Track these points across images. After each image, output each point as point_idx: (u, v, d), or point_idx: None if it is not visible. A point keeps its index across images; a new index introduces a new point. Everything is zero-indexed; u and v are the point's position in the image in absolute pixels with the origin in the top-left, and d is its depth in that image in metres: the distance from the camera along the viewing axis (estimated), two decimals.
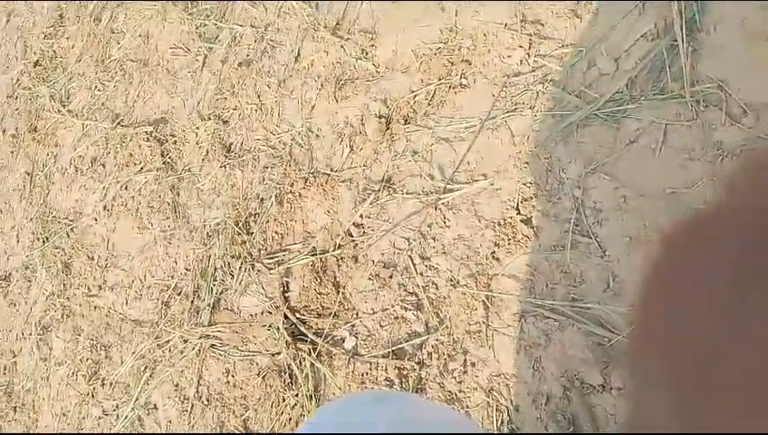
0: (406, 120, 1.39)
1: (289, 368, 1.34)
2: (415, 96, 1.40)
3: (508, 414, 1.07)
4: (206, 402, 1.45)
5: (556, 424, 1.01)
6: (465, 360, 1.14)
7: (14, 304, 2.05)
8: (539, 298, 1.10)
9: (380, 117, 1.43)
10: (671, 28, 1.11)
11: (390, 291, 1.27)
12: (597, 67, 1.18)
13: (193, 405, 1.46)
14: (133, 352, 1.63)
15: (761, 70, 1.01)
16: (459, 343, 1.16)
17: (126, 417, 1.56)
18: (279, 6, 1.77)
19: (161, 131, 1.89)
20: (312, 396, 1.29)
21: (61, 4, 2.51)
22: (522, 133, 1.23)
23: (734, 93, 1.02)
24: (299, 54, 1.67)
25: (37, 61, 2.47)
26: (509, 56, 1.30)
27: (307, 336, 1.34)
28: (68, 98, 2.25)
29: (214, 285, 1.55)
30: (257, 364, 1.40)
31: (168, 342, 1.57)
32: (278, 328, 1.37)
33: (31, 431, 1.79)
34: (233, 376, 1.43)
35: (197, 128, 1.79)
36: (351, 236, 1.38)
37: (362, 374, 1.25)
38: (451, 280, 1.21)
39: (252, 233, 1.54)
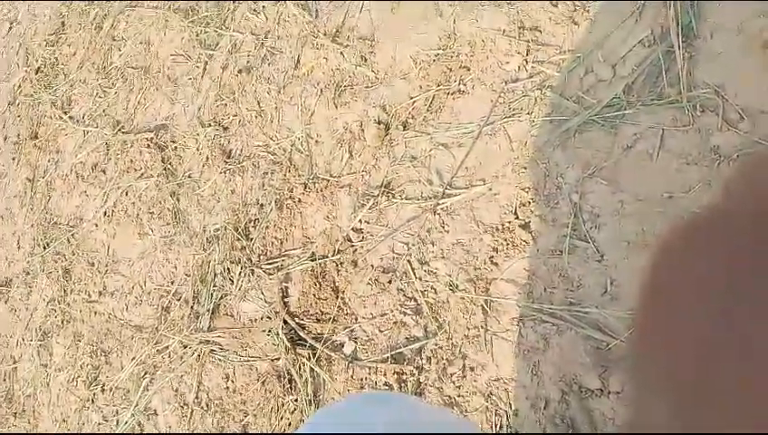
0: (405, 126, 1.40)
1: (288, 373, 1.34)
2: (414, 102, 1.41)
3: (507, 418, 1.07)
4: (205, 408, 1.45)
5: (555, 428, 1.01)
6: (464, 364, 1.14)
7: (15, 310, 2.05)
8: (537, 303, 1.10)
9: (379, 123, 1.44)
10: (668, 34, 1.12)
11: (389, 296, 1.28)
12: (594, 73, 1.19)
13: (193, 410, 1.46)
14: (133, 358, 1.63)
15: (757, 75, 1.02)
16: (458, 347, 1.16)
17: (126, 422, 1.56)
18: (279, 14, 1.78)
19: (162, 138, 1.89)
20: (311, 401, 1.29)
21: (62, 12, 2.52)
22: (520, 139, 1.24)
23: (731, 99, 1.03)
24: (298, 61, 1.68)
25: (39, 68, 2.48)
26: (507, 62, 1.31)
27: (306, 341, 1.34)
28: (69, 105, 2.26)
29: (213, 290, 1.55)
30: (257, 369, 1.40)
31: (167, 347, 1.57)
32: (277, 333, 1.37)
33: None
34: (232, 381, 1.43)
35: (198, 134, 1.80)
36: (351, 241, 1.38)
37: (361, 379, 1.25)
38: (450, 285, 1.21)
39: (251, 238, 1.55)
